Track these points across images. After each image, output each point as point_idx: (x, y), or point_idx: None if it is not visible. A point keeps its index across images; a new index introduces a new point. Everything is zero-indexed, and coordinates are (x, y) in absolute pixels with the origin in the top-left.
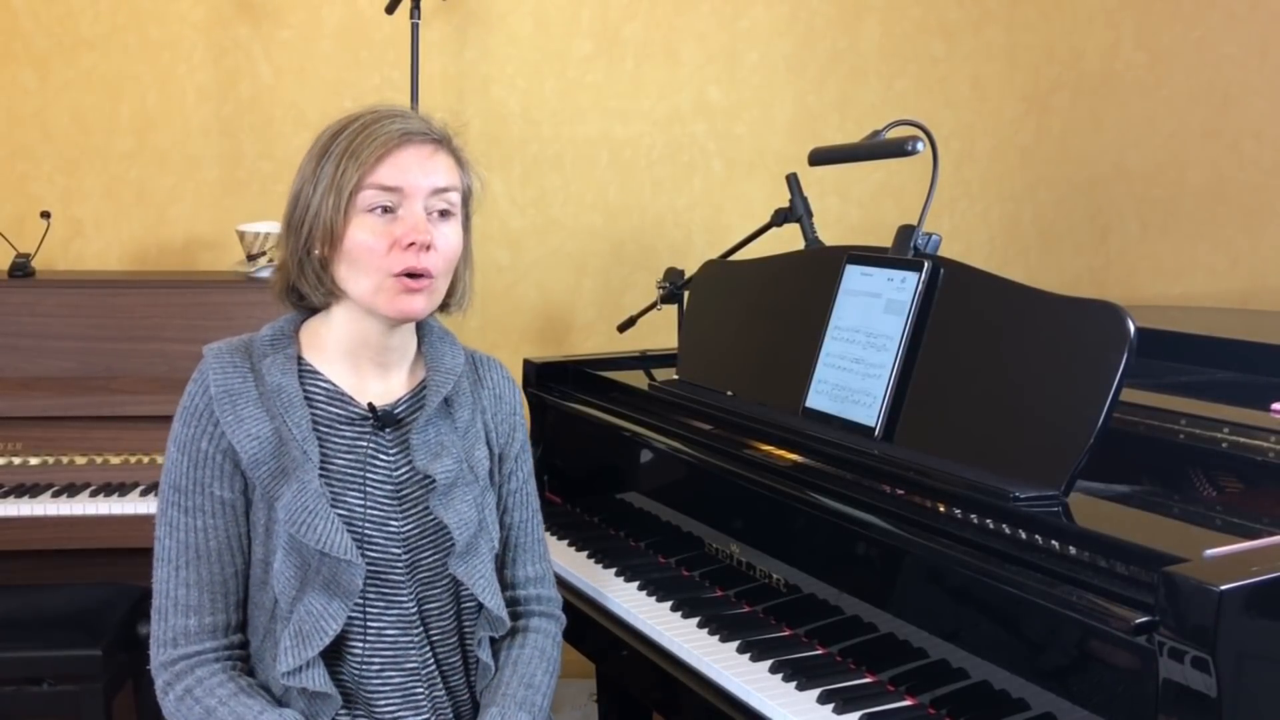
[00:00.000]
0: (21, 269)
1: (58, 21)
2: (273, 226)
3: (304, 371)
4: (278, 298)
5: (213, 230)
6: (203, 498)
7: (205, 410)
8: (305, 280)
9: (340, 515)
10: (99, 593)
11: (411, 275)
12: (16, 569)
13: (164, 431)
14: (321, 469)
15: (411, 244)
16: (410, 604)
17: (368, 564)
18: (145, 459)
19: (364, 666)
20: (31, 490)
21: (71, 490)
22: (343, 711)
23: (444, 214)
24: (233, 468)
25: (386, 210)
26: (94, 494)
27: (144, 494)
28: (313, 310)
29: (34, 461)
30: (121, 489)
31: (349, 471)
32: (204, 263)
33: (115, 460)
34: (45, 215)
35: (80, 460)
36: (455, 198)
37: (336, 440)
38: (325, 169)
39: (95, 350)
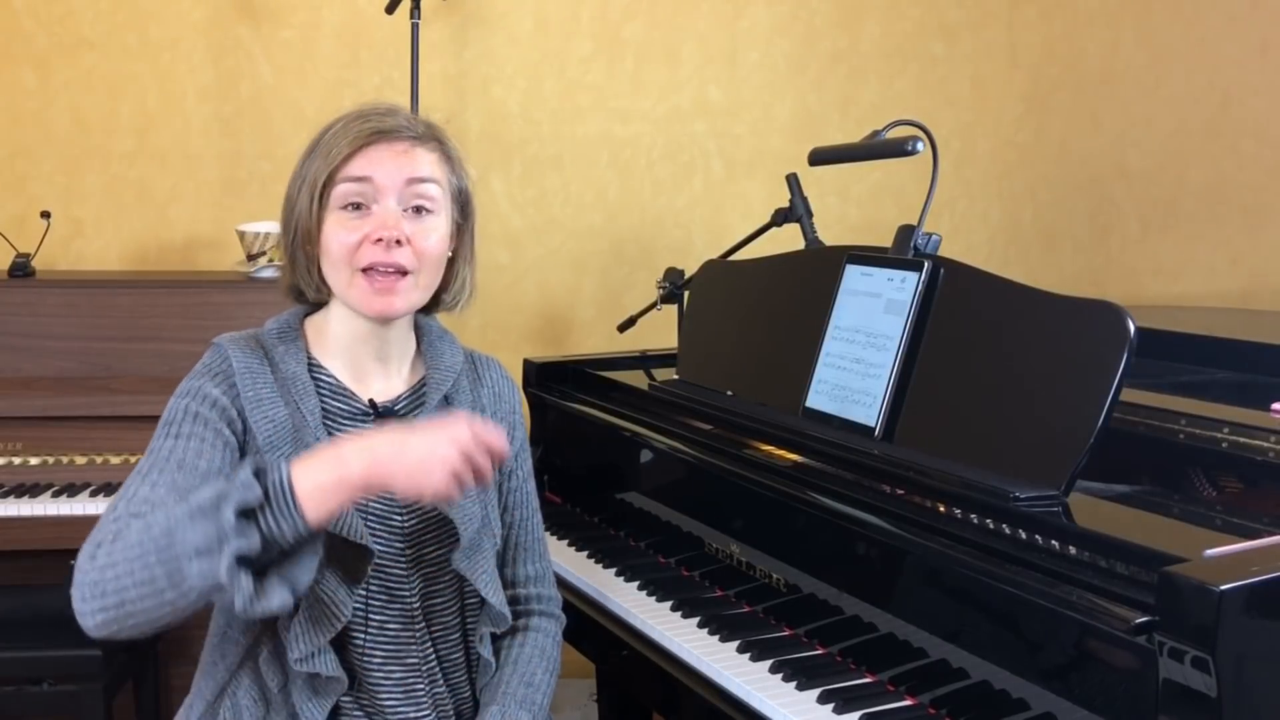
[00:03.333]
0: (21, 269)
1: (58, 21)
2: (273, 226)
3: (309, 365)
4: (284, 294)
5: (213, 230)
6: (203, 428)
7: (223, 371)
8: (300, 277)
9: None
10: None
11: (379, 271)
12: (16, 569)
13: None
14: None
15: (380, 239)
16: (413, 599)
17: None
18: None
19: (365, 659)
20: (31, 490)
21: (71, 490)
22: (347, 699)
23: (421, 210)
24: (242, 425)
25: (359, 207)
26: (94, 494)
27: None
28: (316, 306)
29: (34, 461)
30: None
31: None
32: (204, 263)
33: (115, 460)
34: (45, 215)
35: (80, 460)
36: (432, 191)
37: (340, 433)
38: (306, 167)
39: (95, 350)
